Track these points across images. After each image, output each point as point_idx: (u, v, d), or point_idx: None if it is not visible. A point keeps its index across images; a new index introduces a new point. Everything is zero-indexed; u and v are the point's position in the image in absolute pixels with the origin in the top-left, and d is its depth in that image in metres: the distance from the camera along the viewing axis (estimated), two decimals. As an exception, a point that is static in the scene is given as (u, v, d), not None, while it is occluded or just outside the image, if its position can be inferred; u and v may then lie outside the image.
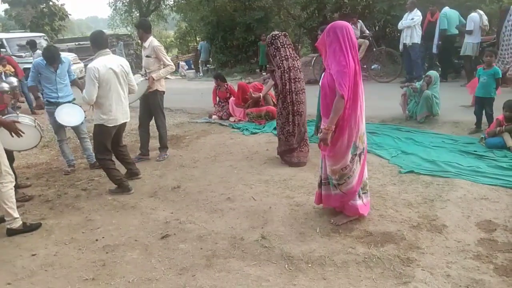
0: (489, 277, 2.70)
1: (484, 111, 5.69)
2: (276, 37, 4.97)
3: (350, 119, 3.25)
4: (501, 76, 5.66)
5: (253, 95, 7.46)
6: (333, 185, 3.49)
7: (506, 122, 5.12)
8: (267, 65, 5.40)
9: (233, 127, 7.25)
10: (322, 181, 3.60)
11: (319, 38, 5.55)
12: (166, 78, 5.62)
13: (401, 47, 9.79)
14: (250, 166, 5.15)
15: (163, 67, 5.45)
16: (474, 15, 8.75)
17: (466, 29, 8.80)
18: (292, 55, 5.02)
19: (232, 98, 7.98)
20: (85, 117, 5.33)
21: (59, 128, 5.26)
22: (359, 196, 3.51)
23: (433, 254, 3.00)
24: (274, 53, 4.95)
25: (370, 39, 10.44)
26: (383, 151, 5.27)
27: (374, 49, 10.60)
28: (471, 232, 3.27)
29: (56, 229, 3.82)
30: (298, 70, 5.04)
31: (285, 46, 4.97)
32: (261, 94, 6.74)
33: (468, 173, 4.40)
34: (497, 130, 5.11)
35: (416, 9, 9.42)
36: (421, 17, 9.38)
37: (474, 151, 5.05)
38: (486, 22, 8.83)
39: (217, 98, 8.19)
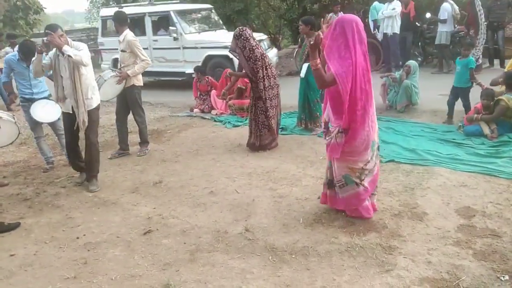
0: (469, 262, 2.76)
1: (461, 101, 5.73)
2: (243, 29, 5.17)
3: (364, 119, 3.14)
4: (474, 66, 5.67)
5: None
6: (354, 183, 3.32)
7: (484, 110, 5.21)
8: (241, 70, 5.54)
9: (215, 120, 7.20)
10: (333, 183, 3.45)
11: (300, 29, 5.62)
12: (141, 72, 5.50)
13: (380, 36, 9.88)
14: (232, 159, 5.13)
15: (139, 62, 5.34)
16: (446, 5, 9.16)
17: (440, 18, 9.09)
18: (259, 45, 5.26)
19: (213, 91, 7.92)
20: (61, 113, 5.20)
21: (35, 124, 5.13)
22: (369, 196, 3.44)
23: (414, 241, 3.05)
24: (244, 44, 5.08)
25: None
26: (364, 141, 5.31)
27: None
28: (451, 218, 3.33)
29: (35, 228, 3.74)
30: (268, 56, 5.31)
31: (252, 37, 5.17)
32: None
33: (447, 161, 4.48)
34: (474, 117, 5.20)
35: None
36: (401, 7, 9.50)
37: (453, 139, 5.15)
38: (457, 11, 9.23)
39: (198, 92, 8.11)
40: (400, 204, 3.63)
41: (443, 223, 3.26)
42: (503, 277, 2.59)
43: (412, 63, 6.67)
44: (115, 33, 10.73)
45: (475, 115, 5.20)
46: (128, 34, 5.31)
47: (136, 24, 10.61)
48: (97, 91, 4.60)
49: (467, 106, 5.70)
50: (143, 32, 10.27)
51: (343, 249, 3.01)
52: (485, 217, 3.32)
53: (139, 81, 5.46)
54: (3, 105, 9.05)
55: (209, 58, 9.46)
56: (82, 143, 4.65)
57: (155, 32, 10.28)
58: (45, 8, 25.80)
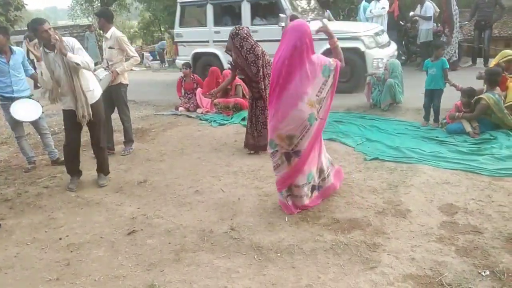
0: (451, 259, 2.79)
1: (432, 104, 5.70)
2: (240, 28, 5.03)
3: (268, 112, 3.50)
4: (448, 66, 5.65)
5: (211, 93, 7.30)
6: None
7: (464, 108, 5.29)
8: (231, 62, 5.23)
9: (200, 119, 7.17)
10: None
11: None
12: (131, 69, 5.47)
13: None
14: (218, 158, 5.11)
15: (126, 59, 5.30)
16: (428, 3, 9.28)
17: (427, 15, 9.24)
18: (257, 43, 5.11)
19: (199, 89, 7.88)
20: (42, 112, 5.11)
21: (16, 124, 5.02)
22: (282, 194, 3.57)
23: (398, 238, 3.08)
24: (241, 43, 4.92)
25: None
26: (349, 139, 5.35)
27: None
28: (434, 215, 3.38)
29: (16, 229, 3.67)
30: (267, 54, 5.15)
31: (250, 36, 5.03)
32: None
33: (430, 158, 4.53)
34: (456, 116, 5.27)
35: None
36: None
37: (436, 137, 5.21)
38: (437, 9, 9.52)
39: (183, 90, 8.06)
40: (384, 201, 3.66)
41: (426, 220, 3.30)
42: (484, 272, 2.63)
43: (389, 62, 6.71)
44: (197, 23, 9.70)
45: (457, 114, 5.28)
46: (115, 31, 5.28)
47: (228, 11, 9.24)
48: (97, 82, 4.48)
49: (438, 108, 5.66)
50: (236, 21, 8.79)
51: (328, 247, 3.02)
52: (467, 213, 3.37)
53: (126, 79, 5.41)
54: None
55: (329, 51, 8.17)
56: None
57: (252, 21, 8.67)
58: (26, 4, 25.26)
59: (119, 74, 5.20)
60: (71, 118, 4.26)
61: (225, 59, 8.57)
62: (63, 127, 4.61)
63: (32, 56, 4.23)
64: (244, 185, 4.24)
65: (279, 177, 3.54)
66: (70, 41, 4.16)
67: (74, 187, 4.47)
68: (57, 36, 3.96)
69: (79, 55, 4.07)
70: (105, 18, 5.29)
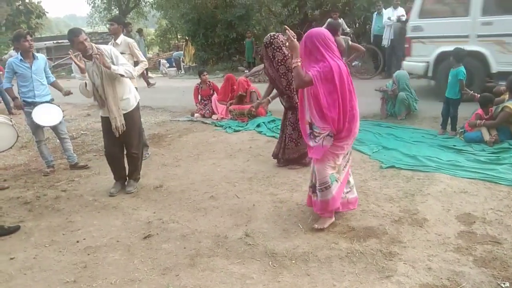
0: (469, 269, 2.75)
1: (450, 112, 5.63)
2: (275, 37, 4.62)
3: (356, 118, 3.31)
4: (464, 77, 5.43)
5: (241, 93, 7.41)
6: (335, 180, 3.36)
7: (486, 115, 5.22)
8: (265, 69, 4.89)
9: (215, 125, 7.22)
10: (316, 187, 3.44)
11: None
12: (149, 77, 5.57)
13: (384, 43, 9.92)
14: (233, 164, 5.13)
15: (134, 64, 5.37)
16: None
17: None
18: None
19: (215, 95, 7.95)
20: (63, 117, 5.21)
21: (37, 128, 5.13)
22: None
23: (414, 247, 3.04)
24: (274, 53, 4.58)
25: (352, 35, 10.56)
26: (364, 147, 5.32)
27: None
28: (451, 225, 3.33)
29: (35, 231, 3.74)
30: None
31: (284, 45, 4.59)
32: (255, 105, 5.98)
33: (447, 167, 4.48)
34: (477, 123, 5.19)
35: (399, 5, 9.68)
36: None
37: (453, 145, 5.15)
38: None
39: (199, 97, 8.13)
40: (401, 210, 3.62)
41: (444, 230, 3.26)
42: (504, 283, 2.58)
43: (396, 74, 6.65)
44: (450, 12, 7.60)
45: (478, 121, 5.20)
46: (125, 37, 5.41)
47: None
48: (134, 90, 4.46)
49: (455, 117, 5.60)
50: (459, 12, 7.34)
51: (343, 255, 3.00)
52: (485, 223, 3.31)
53: (135, 82, 5.50)
54: (4, 109, 9.09)
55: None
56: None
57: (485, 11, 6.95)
58: (47, 12, 25.96)
59: (133, 78, 5.29)
60: (107, 125, 4.26)
61: (495, 60, 6.92)
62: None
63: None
64: (258, 192, 4.25)
65: (337, 189, 3.37)
66: (107, 49, 4.12)
67: (115, 192, 4.45)
68: (97, 51, 3.91)
69: (121, 65, 4.08)
70: (124, 25, 5.42)
